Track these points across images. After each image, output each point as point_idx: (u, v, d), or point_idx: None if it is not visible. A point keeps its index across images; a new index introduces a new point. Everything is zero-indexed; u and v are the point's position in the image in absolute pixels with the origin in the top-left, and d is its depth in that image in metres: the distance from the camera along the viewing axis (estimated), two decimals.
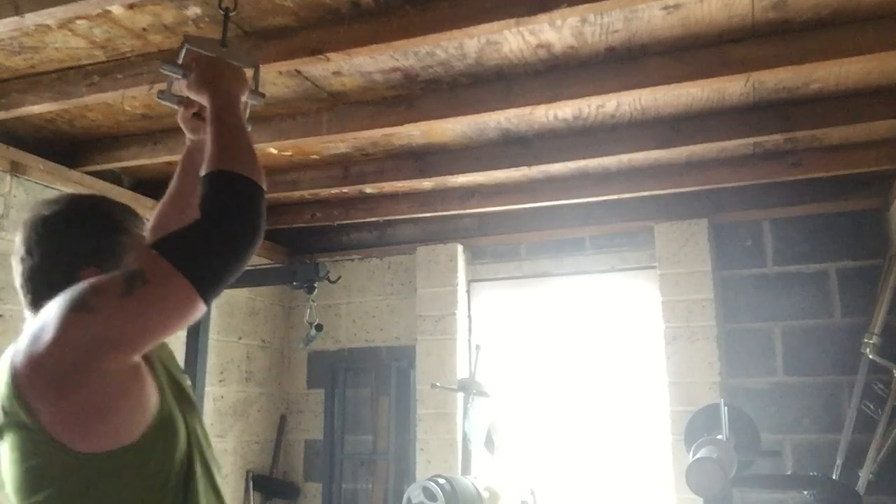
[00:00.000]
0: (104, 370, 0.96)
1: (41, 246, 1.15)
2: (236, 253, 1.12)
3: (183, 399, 1.16)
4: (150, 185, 3.45)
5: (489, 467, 3.49)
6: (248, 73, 1.87)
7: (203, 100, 1.32)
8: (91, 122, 2.80)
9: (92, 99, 2.35)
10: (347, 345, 4.22)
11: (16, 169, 2.75)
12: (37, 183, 2.85)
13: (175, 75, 1.40)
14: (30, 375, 0.97)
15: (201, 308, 1.03)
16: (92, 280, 1.02)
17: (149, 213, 3.61)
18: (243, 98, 1.37)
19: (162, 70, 1.41)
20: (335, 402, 4.06)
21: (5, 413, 1.00)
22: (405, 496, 2.61)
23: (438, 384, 3.39)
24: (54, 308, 0.98)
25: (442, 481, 2.54)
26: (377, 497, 3.96)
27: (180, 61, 1.41)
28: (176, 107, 1.49)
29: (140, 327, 0.99)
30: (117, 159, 2.97)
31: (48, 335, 0.96)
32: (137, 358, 1.01)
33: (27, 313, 1.21)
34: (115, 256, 1.15)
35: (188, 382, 1.27)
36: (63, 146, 2.98)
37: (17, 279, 1.20)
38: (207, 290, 1.04)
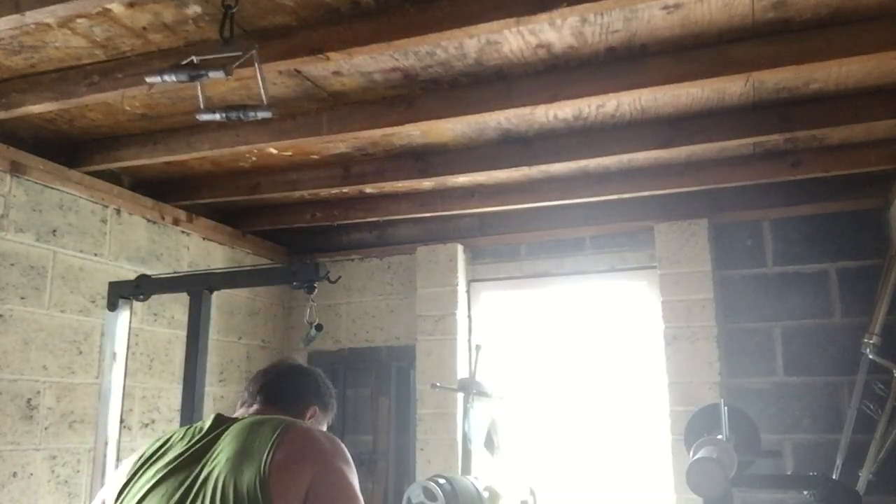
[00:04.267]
0: None
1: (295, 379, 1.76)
2: None
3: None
4: (150, 185, 3.45)
5: (489, 467, 3.49)
6: (250, 71, 1.90)
7: None
8: (91, 122, 2.80)
9: (92, 99, 2.35)
10: (347, 345, 4.22)
11: (16, 169, 2.75)
12: (37, 183, 2.85)
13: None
14: None
15: None
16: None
17: (148, 212, 3.59)
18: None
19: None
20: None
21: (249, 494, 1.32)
22: (405, 496, 2.60)
23: (438, 384, 3.38)
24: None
25: (442, 481, 2.54)
26: (377, 497, 3.96)
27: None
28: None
29: None
30: (117, 159, 2.97)
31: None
32: None
33: (256, 406, 1.67)
34: (327, 411, 1.83)
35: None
36: (63, 146, 2.98)
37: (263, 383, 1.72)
38: None
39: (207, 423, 1.51)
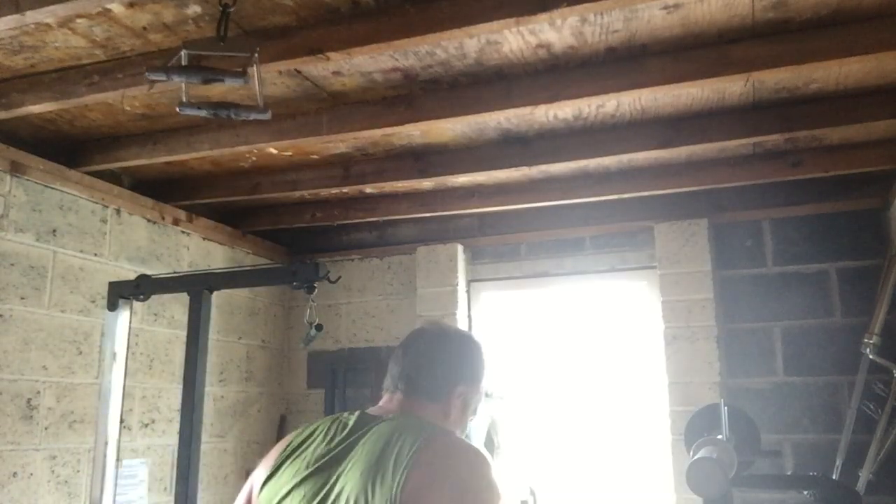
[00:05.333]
0: None
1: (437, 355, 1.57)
2: None
3: None
4: (150, 185, 3.45)
5: None
6: (265, 66, 1.89)
7: None
8: (91, 122, 2.80)
9: (92, 99, 2.34)
10: (347, 345, 4.22)
11: (16, 169, 2.75)
12: (37, 183, 2.85)
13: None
14: None
15: None
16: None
17: (148, 212, 3.60)
18: None
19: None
20: (335, 402, 4.06)
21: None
22: None
23: None
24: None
25: None
26: None
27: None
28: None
29: None
30: (117, 159, 2.97)
31: None
32: None
33: (398, 396, 1.55)
34: (475, 382, 1.57)
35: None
36: (63, 146, 2.98)
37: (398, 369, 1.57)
38: None
39: (351, 421, 1.46)
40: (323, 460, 1.39)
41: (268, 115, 1.93)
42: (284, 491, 1.39)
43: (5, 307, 2.70)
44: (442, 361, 1.55)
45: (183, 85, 1.85)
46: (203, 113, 1.90)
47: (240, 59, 1.88)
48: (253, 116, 1.92)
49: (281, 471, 1.44)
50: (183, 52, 1.78)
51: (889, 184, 3.18)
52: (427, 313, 3.93)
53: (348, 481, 1.31)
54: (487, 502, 1.28)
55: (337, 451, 1.40)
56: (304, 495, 1.35)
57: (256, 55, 1.85)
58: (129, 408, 3.17)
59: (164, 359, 3.41)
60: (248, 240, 4.05)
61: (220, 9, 1.84)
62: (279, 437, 4.18)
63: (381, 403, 1.56)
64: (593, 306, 3.85)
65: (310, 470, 1.38)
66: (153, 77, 1.78)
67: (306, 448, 1.45)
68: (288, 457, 1.45)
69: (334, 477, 1.35)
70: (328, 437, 1.44)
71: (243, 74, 1.77)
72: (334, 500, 1.30)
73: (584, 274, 3.82)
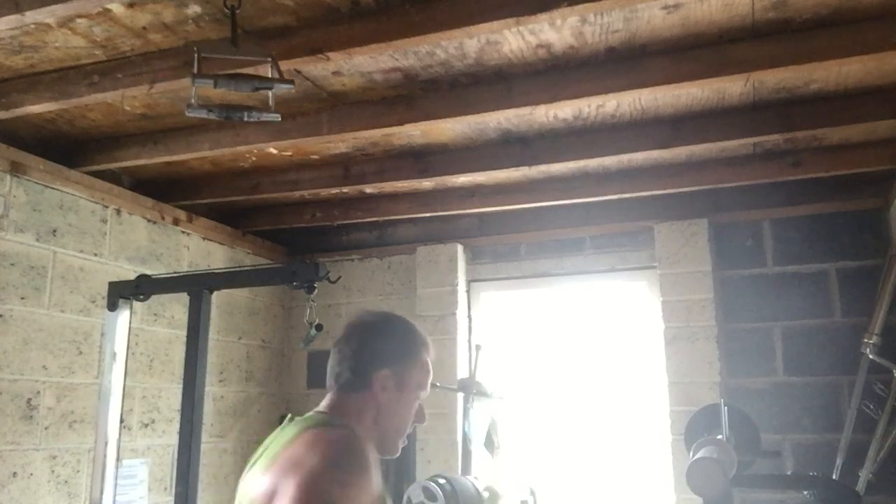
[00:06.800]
0: None
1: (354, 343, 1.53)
2: None
3: None
4: (150, 185, 3.45)
5: (489, 467, 3.49)
6: (265, 68, 1.90)
7: None
8: (91, 122, 2.80)
9: (92, 99, 2.34)
10: None
11: (16, 169, 2.75)
12: (37, 183, 2.85)
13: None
14: None
15: None
16: None
17: (148, 212, 3.59)
18: None
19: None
20: None
21: None
22: (405, 496, 2.60)
23: (438, 384, 3.37)
24: None
25: (442, 481, 2.53)
26: None
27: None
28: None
29: None
30: (117, 159, 2.97)
31: None
32: None
33: (328, 394, 1.54)
34: (405, 359, 1.52)
35: None
36: (63, 146, 2.98)
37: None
38: None
39: (285, 422, 1.50)
40: (252, 463, 1.46)
41: (278, 117, 1.94)
42: (237, 493, 1.45)
43: (5, 307, 2.70)
44: (361, 349, 1.51)
45: (193, 87, 1.85)
46: (213, 115, 1.89)
47: (255, 62, 1.88)
48: (265, 118, 1.93)
49: (244, 473, 1.50)
50: (195, 55, 1.78)
51: (889, 184, 3.18)
52: (427, 313, 3.93)
53: (246, 483, 1.40)
54: (300, 484, 1.23)
55: (261, 452, 1.46)
56: (237, 497, 1.42)
57: (271, 58, 1.86)
58: (129, 408, 3.17)
59: (164, 359, 3.41)
60: (248, 240, 4.05)
61: (227, 10, 1.84)
62: None
63: (321, 403, 1.58)
64: (593, 306, 3.85)
65: (246, 473, 1.46)
66: (201, 83, 1.77)
67: (259, 450, 1.51)
68: (254, 460, 1.51)
69: (245, 479, 1.43)
70: (268, 440, 1.50)
71: (292, 82, 1.80)
72: (238, 502, 1.40)
73: (584, 274, 3.82)
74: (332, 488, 1.23)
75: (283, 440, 1.39)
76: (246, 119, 1.92)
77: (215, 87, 1.77)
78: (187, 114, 1.90)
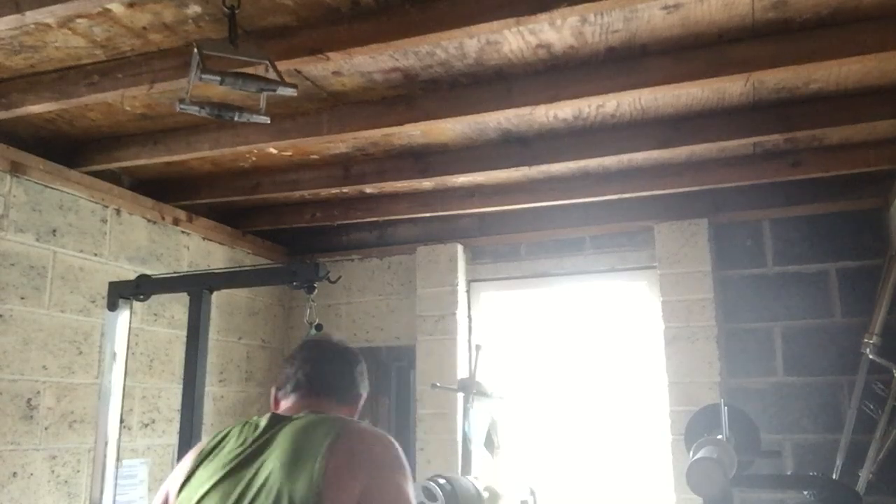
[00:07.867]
0: None
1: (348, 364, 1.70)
2: None
3: None
4: (150, 185, 3.45)
5: (489, 467, 3.49)
6: (263, 69, 1.90)
7: None
8: (91, 122, 2.80)
9: (92, 99, 2.35)
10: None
11: (16, 169, 2.75)
12: (37, 183, 2.85)
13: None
14: None
15: None
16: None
17: (148, 212, 3.59)
18: None
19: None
20: None
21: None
22: None
23: (438, 384, 3.38)
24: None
25: (442, 481, 2.54)
26: None
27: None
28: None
29: None
30: (117, 159, 2.96)
31: None
32: None
33: (305, 397, 1.63)
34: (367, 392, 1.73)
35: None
36: (63, 146, 2.98)
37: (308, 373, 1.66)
38: None
39: (263, 422, 1.51)
40: (238, 460, 1.44)
41: (268, 120, 1.96)
42: (201, 492, 1.42)
43: (5, 307, 2.70)
44: (350, 371, 1.68)
45: (188, 84, 1.85)
46: (204, 113, 1.90)
47: (253, 63, 1.89)
48: (255, 119, 1.94)
49: (196, 475, 1.48)
50: (195, 53, 1.78)
51: (889, 184, 3.18)
52: (427, 313, 3.93)
53: (270, 474, 1.37)
54: (401, 482, 1.40)
55: (252, 449, 1.45)
56: (222, 494, 1.39)
57: (269, 61, 1.86)
58: (129, 408, 3.17)
59: (164, 359, 3.41)
60: (248, 240, 4.05)
61: (227, 10, 1.84)
62: None
63: (286, 405, 1.62)
64: (593, 306, 3.85)
65: (226, 470, 1.43)
66: (208, 80, 1.77)
67: (220, 451, 1.49)
68: (202, 461, 1.50)
69: (252, 473, 1.40)
70: (241, 439, 1.49)
71: (295, 86, 1.82)
72: (255, 495, 1.35)
73: (583, 274, 3.82)
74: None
75: (322, 439, 1.39)
76: (237, 119, 1.93)
77: (221, 83, 1.78)
78: (177, 108, 1.91)
